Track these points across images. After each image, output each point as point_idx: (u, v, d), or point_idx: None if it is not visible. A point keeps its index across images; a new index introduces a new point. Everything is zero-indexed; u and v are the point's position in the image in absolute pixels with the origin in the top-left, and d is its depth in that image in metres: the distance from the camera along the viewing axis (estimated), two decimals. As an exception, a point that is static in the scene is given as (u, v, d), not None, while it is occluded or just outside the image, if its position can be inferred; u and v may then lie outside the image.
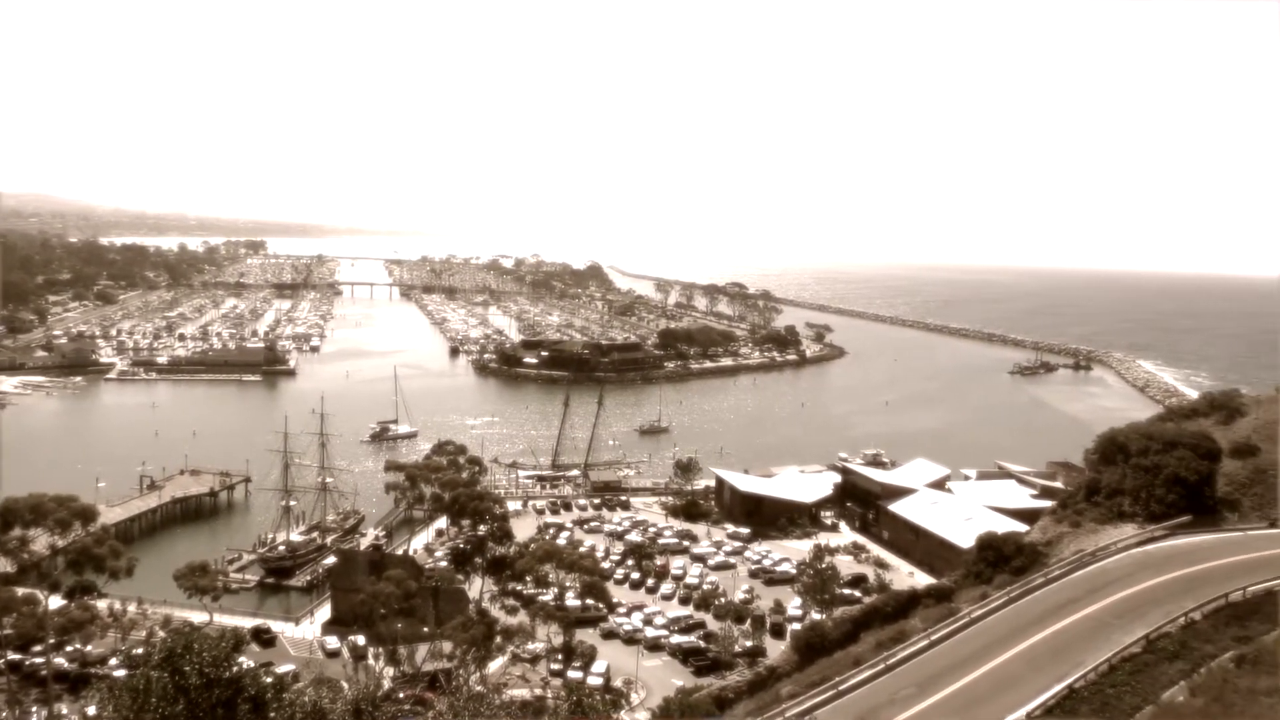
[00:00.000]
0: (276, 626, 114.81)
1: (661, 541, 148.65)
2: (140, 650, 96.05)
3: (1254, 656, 46.53)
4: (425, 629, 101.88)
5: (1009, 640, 53.48)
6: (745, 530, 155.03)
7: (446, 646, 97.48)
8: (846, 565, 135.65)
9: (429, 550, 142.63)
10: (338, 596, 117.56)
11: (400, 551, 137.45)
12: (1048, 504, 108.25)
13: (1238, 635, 50.47)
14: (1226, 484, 74.64)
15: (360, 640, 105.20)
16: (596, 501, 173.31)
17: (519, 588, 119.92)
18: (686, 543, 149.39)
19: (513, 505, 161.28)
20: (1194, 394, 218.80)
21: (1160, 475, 71.73)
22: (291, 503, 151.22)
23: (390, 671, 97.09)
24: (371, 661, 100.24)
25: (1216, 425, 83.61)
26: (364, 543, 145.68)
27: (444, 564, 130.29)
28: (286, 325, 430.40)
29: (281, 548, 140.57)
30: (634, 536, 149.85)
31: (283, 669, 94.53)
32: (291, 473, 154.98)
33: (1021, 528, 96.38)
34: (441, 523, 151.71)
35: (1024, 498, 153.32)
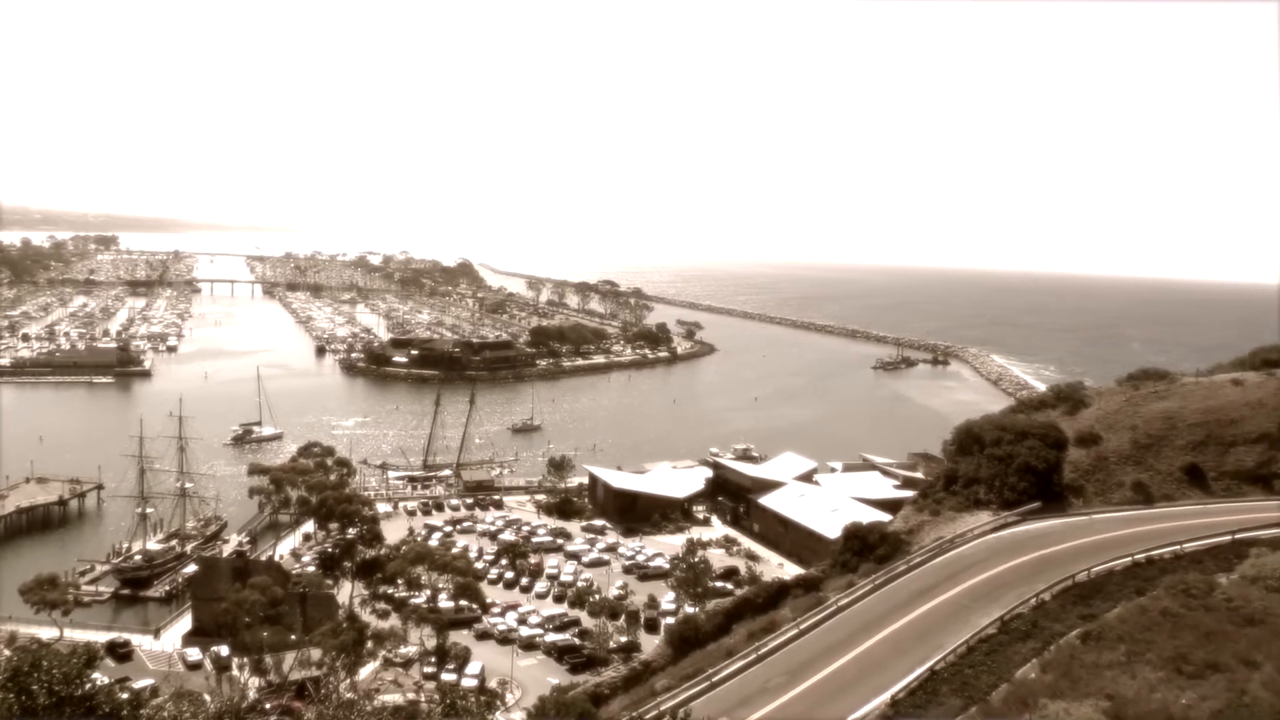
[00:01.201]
0: (133, 640, 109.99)
1: (535, 540, 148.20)
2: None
3: (1098, 633, 49.20)
4: (293, 636, 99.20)
5: (874, 626, 55.23)
6: (599, 522, 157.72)
7: (315, 654, 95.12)
8: (718, 558, 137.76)
9: (296, 555, 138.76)
10: (199, 606, 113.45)
11: (265, 557, 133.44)
12: (909, 494, 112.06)
13: (1083, 613, 53.27)
14: (1072, 471, 78.64)
15: (224, 651, 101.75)
16: (469, 501, 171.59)
17: (390, 591, 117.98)
18: (560, 540, 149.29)
19: (383, 507, 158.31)
20: (1042, 387, 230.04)
21: (1013, 464, 75.10)
22: (148, 510, 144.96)
23: (256, 682, 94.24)
24: (236, 672, 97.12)
25: (1063, 416, 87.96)
26: (226, 549, 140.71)
27: (312, 569, 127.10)
28: (141, 324, 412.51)
29: (138, 557, 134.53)
30: (507, 536, 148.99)
31: (140, 684, 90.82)
32: (148, 478, 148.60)
33: (885, 517, 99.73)
34: (309, 527, 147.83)
35: (887, 488, 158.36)
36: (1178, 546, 62.26)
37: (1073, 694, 39.99)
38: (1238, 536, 63.27)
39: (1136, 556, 60.52)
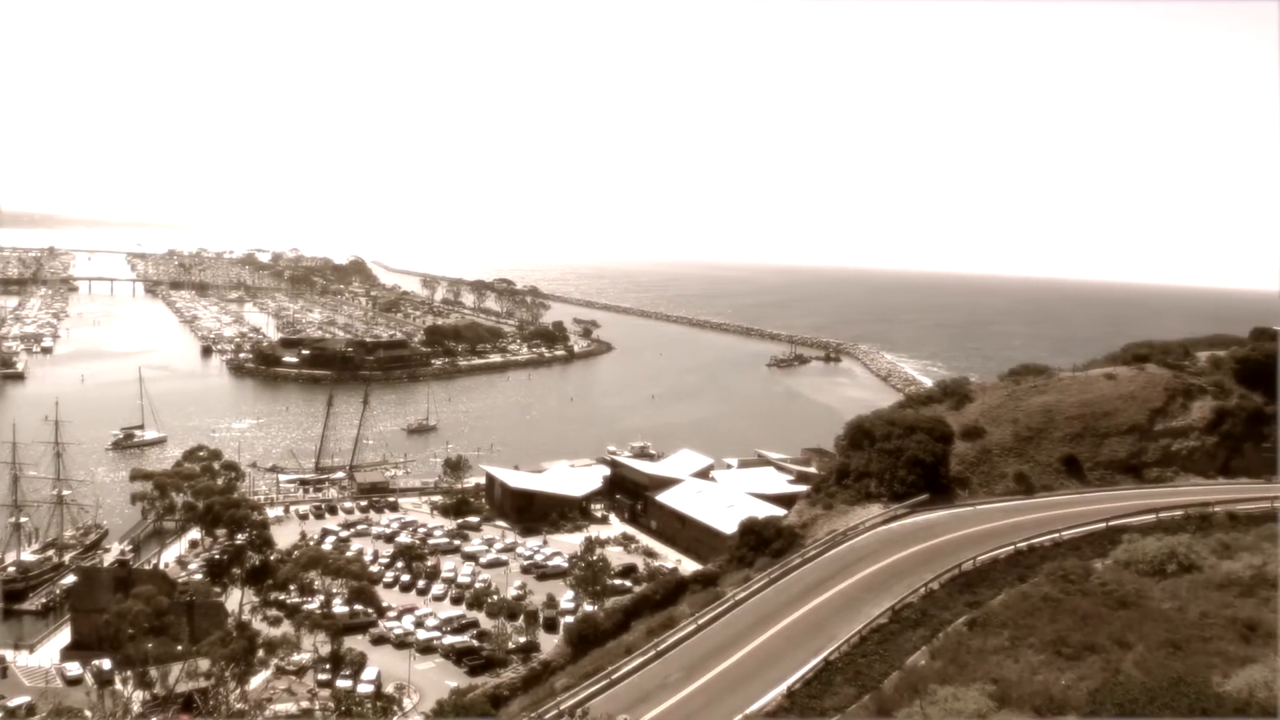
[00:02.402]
0: (7, 656, 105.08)
1: (432, 542, 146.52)
2: None
3: (983, 619, 50.96)
4: (179, 647, 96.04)
5: (770, 619, 56.16)
6: (473, 519, 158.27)
7: (204, 664, 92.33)
8: (617, 556, 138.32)
9: (182, 563, 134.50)
10: (79, 618, 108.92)
11: (150, 566, 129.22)
12: (803, 488, 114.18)
13: (970, 601, 55.11)
14: (958, 463, 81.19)
15: (106, 664, 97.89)
16: (363, 504, 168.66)
17: (282, 597, 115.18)
18: (457, 542, 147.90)
19: (273, 512, 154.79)
20: (929, 382, 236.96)
21: (902, 458, 77.19)
22: (22, 519, 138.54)
23: (140, 695, 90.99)
24: (119, 686, 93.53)
25: (949, 410, 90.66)
26: (108, 559, 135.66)
27: (199, 577, 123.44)
28: (13, 325, 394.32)
29: (12, 569, 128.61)
30: (403, 538, 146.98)
31: (15, 702, 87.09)
32: (22, 486, 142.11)
33: (780, 512, 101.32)
34: (195, 533, 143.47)
35: (782, 483, 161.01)
36: (1057, 534, 64.93)
37: (960, 679, 41.36)
38: (1112, 524, 66.29)
39: (1019, 545, 62.86)
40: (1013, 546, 62.70)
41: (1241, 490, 78.74)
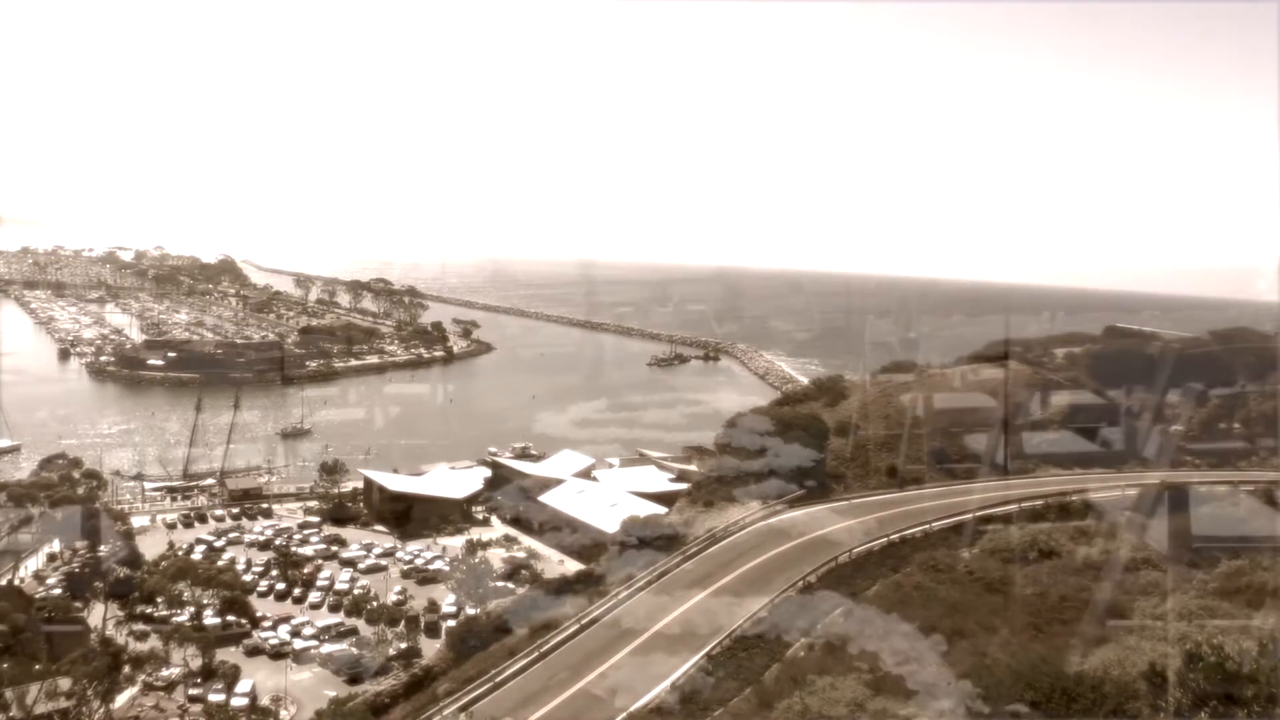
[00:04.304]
0: None
1: (308, 548, 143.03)
2: None
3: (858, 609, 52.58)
4: (37, 666, 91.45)
5: (654, 617, 56.75)
6: (313, 519, 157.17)
7: (64, 683, 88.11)
8: (499, 558, 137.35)
9: (39, 578, 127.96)
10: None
11: (4, 583, 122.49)
12: (684, 486, 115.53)
13: (846, 592, 56.78)
14: (834, 459, 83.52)
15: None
16: (235, 511, 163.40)
17: (149, 610, 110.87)
18: (335, 547, 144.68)
19: (139, 521, 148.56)
20: (806, 380, 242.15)
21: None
22: None
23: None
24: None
25: (824, 407, 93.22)
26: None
27: (58, 592, 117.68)
28: None
29: None
30: (278, 545, 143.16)
31: None
32: None
33: (662, 510, 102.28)
34: (54, 546, 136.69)
35: (663, 482, 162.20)
36: (927, 526, 67.38)
37: (838, 669, 42.56)
38: (978, 514, 69.11)
39: (891, 537, 65.03)
40: (886, 538, 64.82)
41: (1096, 479, 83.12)
